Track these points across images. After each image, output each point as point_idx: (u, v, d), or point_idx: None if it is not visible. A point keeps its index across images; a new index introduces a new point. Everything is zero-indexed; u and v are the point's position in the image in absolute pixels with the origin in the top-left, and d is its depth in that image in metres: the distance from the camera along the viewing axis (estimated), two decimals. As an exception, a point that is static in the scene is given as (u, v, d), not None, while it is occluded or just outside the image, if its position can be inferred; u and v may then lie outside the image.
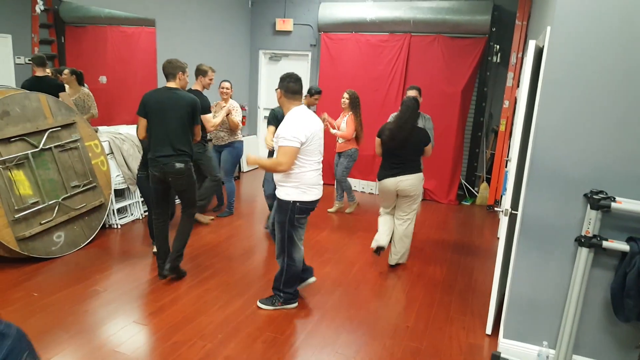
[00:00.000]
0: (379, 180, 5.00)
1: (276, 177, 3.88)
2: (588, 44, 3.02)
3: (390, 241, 5.12)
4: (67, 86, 5.67)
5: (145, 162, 4.77)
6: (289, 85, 3.79)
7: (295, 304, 4.16)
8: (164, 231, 4.57)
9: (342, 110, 6.67)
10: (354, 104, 6.47)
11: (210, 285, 4.46)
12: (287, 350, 3.51)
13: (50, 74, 5.44)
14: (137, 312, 3.91)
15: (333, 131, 6.61)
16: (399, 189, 4.88)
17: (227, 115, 6.05)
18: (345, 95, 6.49)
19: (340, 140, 6.67)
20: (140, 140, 4.61)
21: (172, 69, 4.35)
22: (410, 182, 4.84)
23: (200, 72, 5.72)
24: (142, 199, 5.10)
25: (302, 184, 3.78)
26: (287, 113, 3.82)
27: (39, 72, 5.23)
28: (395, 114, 5.11)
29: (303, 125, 3.67)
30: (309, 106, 5.78)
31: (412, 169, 4.86)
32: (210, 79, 5.80)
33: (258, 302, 4.17)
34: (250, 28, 9.52)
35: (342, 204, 7.06)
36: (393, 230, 5.08)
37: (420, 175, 4.92)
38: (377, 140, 4.99)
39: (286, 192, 3.82)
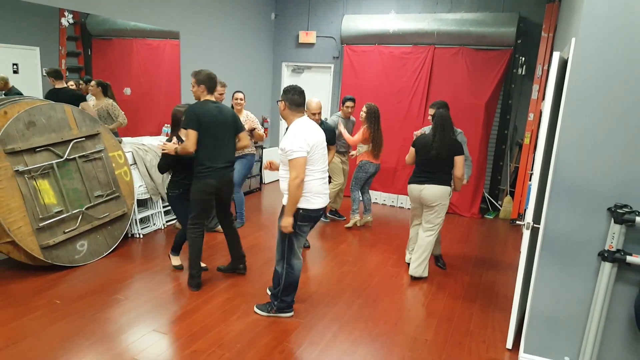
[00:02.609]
0: (408, 183, 5.12)
1: (282, 185, 3.91)
2: (613, 56, 2.98)
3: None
4: (93, 97, 5.82)
5: (176, 181, 4.70)
6: (293, 98, 3.84)
7: (290, 314, 4.17)
8: (201, 242, 4.61)
9: (361, 123, 6.63)
10: (370, 118, 6.41)
11: (230, 295, 4.47)
12: (305, 362, 3.50)
13: (72, 85, 5.57)
14: (157, 321, 3.94)
15: (344, 132, 6.57)
16: (421, 197, 4.96)
17: (253, 130, 6.10)
18: (364, 108, 6.45)
19: (353, 153, 6.70)
20: (166, 157, 4.59)
21: (214, 83, 4.41)
22: (432, 192, 4.87)
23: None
24: (176, 216, 4.99)
25: (308, 192, 3.80)
26: (290, 125, 3.87)
27: (59, 84, 5.32)
28: (428, 127, 5.14)
29: (305, 135, 3.72)
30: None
31: (439, 180, 4.90)
32: (220, 94, 5.66)
33: (255, 306, 4.25)
34: (273, 40, 9.60)
35: (368, 216, 7.00)
36: None
37: (445, 188, 4.90)
38: (412, 150, 5.09)
39: None
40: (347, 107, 6.67)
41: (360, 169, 6.61)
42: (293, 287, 4.11)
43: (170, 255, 5.06)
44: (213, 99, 4.42)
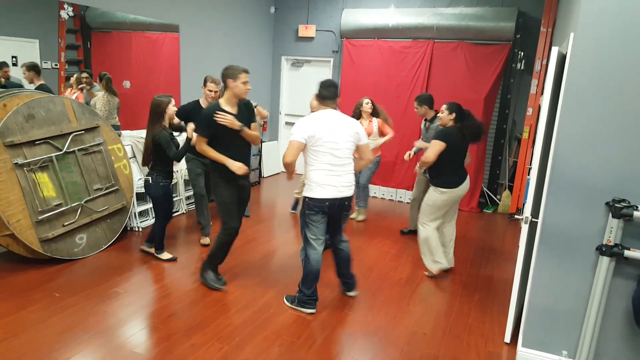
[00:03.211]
0: (456, 187, 4.78)
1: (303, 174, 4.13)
2: (611, 51, 2.98)
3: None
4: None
5: (168, 171, 4.86)
6: (320, 91, 4.06)
7: (311, 310, 4.15)
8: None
9: (361, 117, 6.56)
10: (375, 109, 6.42)
11: (229, 288, 4.48)
12: (304, 355, 3.51)
13: (86, 78, 5.72)
14: (155, 314, 3.95)
15: (380, 141, 6.34)
16: (462, 194, 4.91)
17: None
18: (367, 100, 6.38)
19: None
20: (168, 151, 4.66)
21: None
22: (468, 184, 4.94)
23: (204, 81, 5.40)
24: (164, 209, 5.01)
25: (311, 182, 3.97)
26: None
27: (37, 81, 5.17)
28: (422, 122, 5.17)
29: (309, 125, 3.90)
30: None
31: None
32: (210, 90, 5.32)
33: (285, 296, 4.36)
34: (273, 34, 9.58)
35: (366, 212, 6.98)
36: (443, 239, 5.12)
37: None
38: (443, 145, 4.63)
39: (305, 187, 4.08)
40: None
41: (377, 164, 6.60)
42: (310, 279, 4.15)
43: (157, 254, 5.05)
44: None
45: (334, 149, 3.92)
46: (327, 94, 4.03)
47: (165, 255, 5.04)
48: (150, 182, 4.82)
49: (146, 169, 5.89)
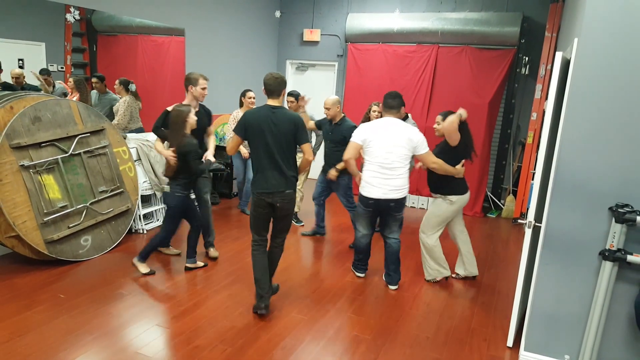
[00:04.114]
0: (467, 191, 4.78)
1: None
2: (615, 56, 2.99)
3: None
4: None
5: (185, 183, 4.58)
6: (386, 100, 4.47)
7: (359, 274, 5.01)
8: (263, 261, 4.12)
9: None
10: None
11: (233, 291, 4.49)
12: (306, 358, 3.52)
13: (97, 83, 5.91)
14: (160, 316, 3.97)
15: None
16: None
17: None
18: (376, 107, 6.23)
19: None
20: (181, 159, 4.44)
21: (278, 86, 3.93)
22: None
23: (190, 81, 4.84)
24: (184, 219, 4.81)
25: (363, 180, 4.47)
26: None
27: None
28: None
29: (364, 130, 4.40)
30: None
31: None
32: (203, 88, 4.87)
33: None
34: (278, 38, 9.62)
35: None
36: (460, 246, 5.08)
37: None
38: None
39: None
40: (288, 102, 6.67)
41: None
42: (358, 249, 4.92)
43: (135, 262, 4.78)
44: (277, 103, 3.96)
45: (385, 152, 4.30)
46: (392, 104, 4.41)
47: (144, 269, 4.75)
48: (168, 191, 4.61)
49: (151, 172, 5.95)
